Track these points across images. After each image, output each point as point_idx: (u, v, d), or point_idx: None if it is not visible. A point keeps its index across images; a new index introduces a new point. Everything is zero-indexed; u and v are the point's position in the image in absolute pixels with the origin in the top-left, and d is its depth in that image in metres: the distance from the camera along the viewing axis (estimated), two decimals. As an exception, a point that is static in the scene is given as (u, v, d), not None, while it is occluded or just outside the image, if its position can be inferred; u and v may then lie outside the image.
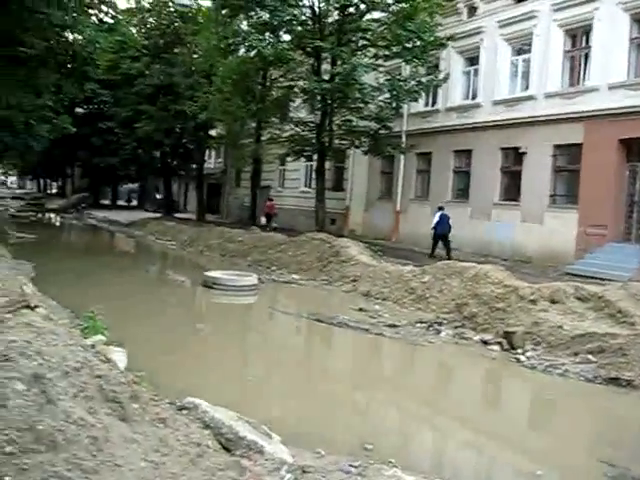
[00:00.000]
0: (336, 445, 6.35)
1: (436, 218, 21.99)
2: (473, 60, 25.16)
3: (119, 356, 5.87)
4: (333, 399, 8.34)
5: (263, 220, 35.10)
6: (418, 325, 12.64)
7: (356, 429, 7.11)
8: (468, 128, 24.26)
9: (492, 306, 12.27)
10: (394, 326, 12.46)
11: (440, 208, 22.49)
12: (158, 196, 57.42)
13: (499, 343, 11.08)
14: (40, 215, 49.26)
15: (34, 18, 22.16)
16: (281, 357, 10.70)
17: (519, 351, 10.61)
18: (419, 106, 26.90)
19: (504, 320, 11.71)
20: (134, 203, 61.81)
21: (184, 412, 4.90)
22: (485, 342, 11.30)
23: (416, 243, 24.47)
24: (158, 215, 41.59)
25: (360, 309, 14.10)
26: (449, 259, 19.12)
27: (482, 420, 8.05)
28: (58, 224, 44.20)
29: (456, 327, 12.35)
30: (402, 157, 27.26)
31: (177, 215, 43.47)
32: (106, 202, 60.27)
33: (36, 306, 5.09)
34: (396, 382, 9.68)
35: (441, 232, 21.76)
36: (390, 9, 23.44)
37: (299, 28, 24.10)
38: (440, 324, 12.60)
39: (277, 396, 8.40)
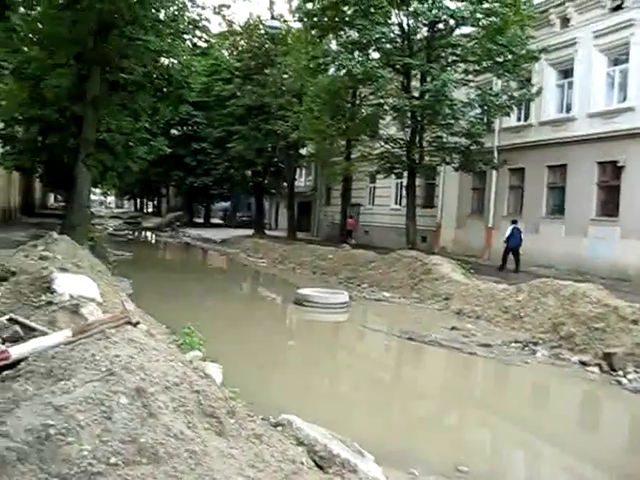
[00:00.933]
0: (429, 466, 6.28)
1: (508, 232, 22.95)
2: (567, 72, 24.48)
3: (215, 372, 5.99)
4: (425, 419, 8.25)
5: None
6: (513, 345, 12.33)
7: (449, 450, 6.99)
8: (562, 142, 23.57)
9: (590, 326, 11.82)
10: (488, 345, 12.21)
11: (514, 222, 23.46)
12: (238, 214, 59.27)
13: (598, 365, 10.65)
14: (137, 233, 51.10)
15: (133, 45, 23.14)
16: (373, 375, 10.67)
17: (620, 373, 10.17)
18: (511, 121, 26.37)
19: (603, 341, 11.27)
20: (226, 221, 63.17)
21: (278, 429, 4.94)
22: (583, 363, 10.89)
23: (510, 260, 23.90)
24: (250, 233, 42.31)
25: (452, 328, 13.87)
26: (517, 272, 21.22)
27: (582, 445, 7.74)
28: (154, 242, 45.72)
29: (552, 347, 11.97)
30: (494, 173, 26.76)
31: (268, 233, 44.14)
32: (199, 220, 61.85)
33: (137, 322, 5.26)
34: (490, 403, 9.46)
35: (513, 245, 22.74)
36: (480, 23, 23.09)
37: (388, 46, 24.12)
38: (536, 344, 12.25)
39: (369, 414, 8.37)
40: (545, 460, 7.36)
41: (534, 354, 11.74)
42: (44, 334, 5.54)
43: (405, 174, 27.71)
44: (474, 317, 15.08)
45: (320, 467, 4.69)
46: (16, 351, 4.85)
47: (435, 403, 9.22)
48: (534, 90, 24.06)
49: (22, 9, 20.52)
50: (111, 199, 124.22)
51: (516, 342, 12.45)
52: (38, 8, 23.09)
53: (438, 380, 11.22)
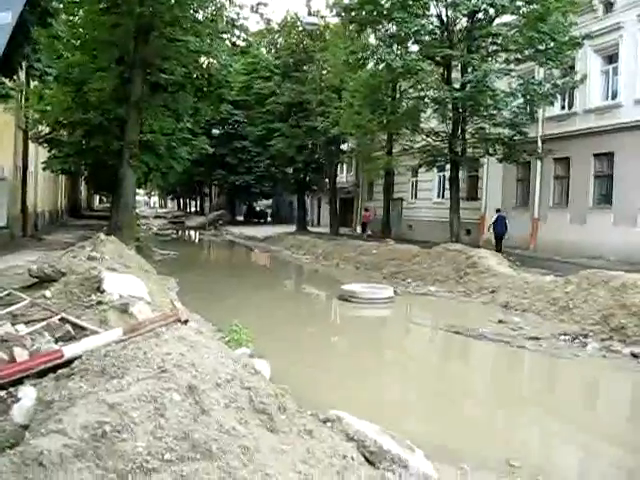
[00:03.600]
0: (480, 461, 6.21)
1: (493, 219, 25.47)
2: (612, 58, 23.92)
3: (263, 368, 6.01)
4: (475, 413, 8.16)
5: (359, 229, 37.72)
6: (562, 337, 12.11)
7: (500, 445, 6.90)
8: (609, 130, 23.05)
9: (642, 317, 11.57)
10: (536, 339, 12.01)
11: (498, 210, 26.19)
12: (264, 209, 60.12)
13: (652, 356, 10.43)
14: (180, 232, 51.67)
15: (173, 46, 23.39)
16: (420, 370, 10.60)
17: (675, 364, 9.94)
18: (555, 109, 25.92)
19: (656, 331, 11.02)
20: (269, 219, 63.52)
21: (328, 424, 4.93)
22: (635, 355, 10.64)
23: (556, 252, 23.53)
24: (292, 229, 42.45)
25: (500, 321, 13.70)
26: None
27: (636, 440, 7.57)
28: (197, 241, 46.17)
29: (603, 339, 11.72)
30: (539, 163, 26.36)
31: (310, 229, 44.21)
32: (242, 218, 62.25)
33: (187, 320, 5.31)
34: (540, 397, 9.30)
35: (498, 233, 24.99)
36: (520, 11, 22.73)
37: (427, 38, 23.90)
38: (586, 336, 12.01)
39: (417, 409, 8.33)
40: (597, 456, 7.19)
41: (584, 347, 11.50)
42: (95, 333, 5.64)
43: (448, 167, 27.46)
44: (521, 310, 14.85)
45: (370, 463, 4.67)
46: (69, 350, 4.94)
47: (484, 398, 9.11)
48: (578, 77, 23.60)
49: (64, 15, 20.91)
50: (154, 199, 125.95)
51: (565, 335, 12.23)
52: (80, 13, 23.51)
53: (487, 375, 11.09)
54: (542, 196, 26.66)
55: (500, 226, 24.98)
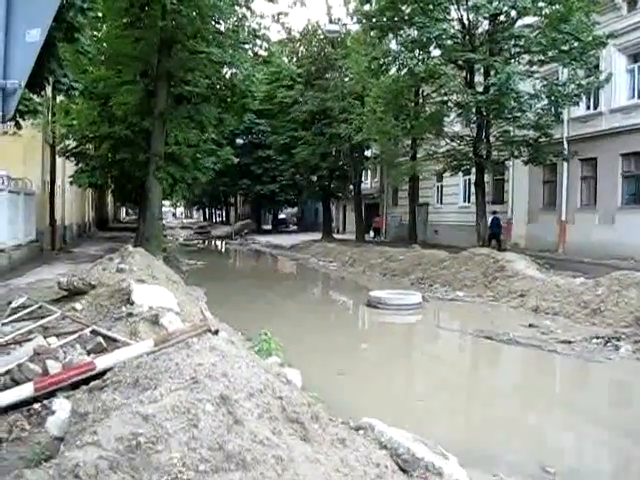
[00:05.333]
0: (514, 467, 6.16)
1: (489, 222, 26.41)
2: (637, 56, 23.69)
3: (294, 377, 6.00)
4: (508, 419, 8.06)
5: (372, 234, 39.82)
6: (594, 341, 11.92)
7: (534, 451, 6.80)
8: (636, 129, 22.78)
9: (676, 318, 11.38)
10: (568, 342, 11.85)
11: (494, 212, 27.52)
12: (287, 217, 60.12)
13: (687, 358, 10.24)
14: (207, 242, 51.97)
15: (196, 58, 23.57)
16: (451, 376, 10.52)
17: None
18: (580, 110, 25.68)
19: (691, 333, 10.83)
20: (293, 227, 63.70)
21: (360, 432, 4.91)
22: (670, 357, 10.49)
23: (585, 254, 23.25)
24: (318, 237, 42.49)
25: (530, 325, 13.55)
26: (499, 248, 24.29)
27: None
28: (224, 250, 46.37)
29: (636, 342, 11.51)
30: (565, 164, 26.12)
31: (336, 236, 44.22)
32: (268, 227, 62.43)
33: (217, 330, 5.32)
34: (574, 402, 9.17)
35: (493, 232, 26.41)
36: (543, 12, 22.53)
37: (449, 42, 23.79)
38: (618, 339, 11.82)
39: (449, 416, 8.26)
40: (634, 461, 7.07)
41: (617, 350, 11.32)
42: (127, 345, 5.67)
43: (473, 171, 27.32)
44: (552, 313, 14.69)
45: (404, 470, 4.63)
46: (101, 362, 4.97)
47: (517, 403, 9.01)
48: (603, 77, 23.31)
49: (89, 30, 21.18)
50: (180, 210, 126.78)
51: (597, 338, 12.04)
52: (104, 28, 23.79)
53: (519, 379, 10.96)
54: (569, 198, 26.40)
55: (495, 227, 26.94)
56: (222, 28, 24.83)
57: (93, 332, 6.57)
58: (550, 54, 23.00)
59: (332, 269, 28.18)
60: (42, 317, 7.79)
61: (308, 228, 55.77)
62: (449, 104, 25.59)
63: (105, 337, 6.34)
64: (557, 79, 24.31)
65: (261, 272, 30.83)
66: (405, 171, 32.45)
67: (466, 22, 23.98)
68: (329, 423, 4.23)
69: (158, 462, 3.11)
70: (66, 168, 31.32)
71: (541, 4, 22.13)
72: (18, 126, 12.12)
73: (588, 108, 25.84)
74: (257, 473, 3.21)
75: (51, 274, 15.30)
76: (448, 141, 26.97)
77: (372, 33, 27.14)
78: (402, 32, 25.36)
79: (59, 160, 28.49)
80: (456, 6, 23.78)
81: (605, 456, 7.36)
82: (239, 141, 45.67)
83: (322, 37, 40.31)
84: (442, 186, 37.95)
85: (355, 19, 28.40)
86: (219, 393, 3.63)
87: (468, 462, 5.49)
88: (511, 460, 6.40)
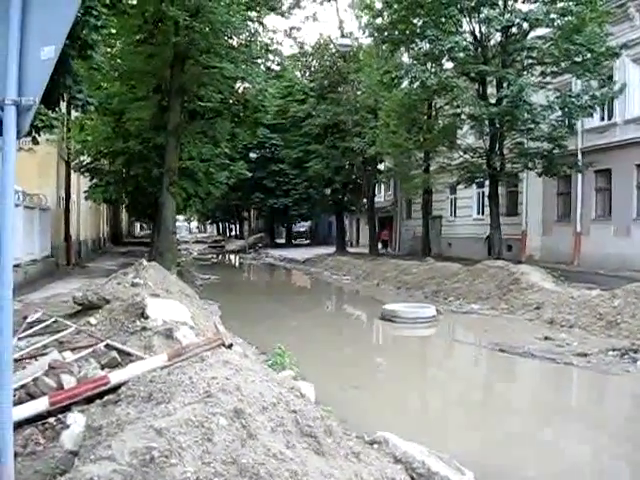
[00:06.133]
0: (531, 482, 6.09)
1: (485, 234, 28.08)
2: (651, 67, 23.63)
3: (308, 390, 5.99)
4: (523, 433, 7.99)
5: (379, 246, 40.37)
6: (610, 353, 11.79)
7: (549, 465, 6.73)
8: (651, 140, 22.71)
9: (694, 330, 11.25)
10: (584, 355, 11.73)
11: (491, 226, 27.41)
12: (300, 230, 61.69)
13: None
14: (221, 257, 52.07)
15: (209, 73, 23.72)
16: (466, 390, 10.44)
17: None
18: (594, 121, 25.56)
19: None
20: (306, 240, 63.80)
21: (375, 446, 4.88)
22: (689, 369, 10.36)
23: (601, 265, 23.09)
24: (331, 251, 42.48)
25: (545, 338, 13.42)
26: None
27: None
28: (238, 264, 46.46)
29: (654, 354, 11.44)
30: (579, 176, 25.99)
31: (349, 250, 44.19)
32: (281, 241, 62.51)
33: (231, 344, 5.32)
34: (591, 416, 9.06)
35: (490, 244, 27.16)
36: (555, 24, 22.52)
37: (461, 54, 23.83)
38: (636, 351, 11.67)
39: (464, 430, 8.19)
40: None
41: (634, 362, 11.18)
42: (141, 359, 5.68)
43: (486, 183, 27.26)
44: (567, 326, 14.55)
45: (419, 485, 4.61)
46: (115, 376, 4.98)
47: (533, 417, 8.92)
48: (617, 88, 23.21)
49: (102, 47, 21.39)
50: (194, 224, 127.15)
51: (614, 350, 11.91)
52: (117, 44, 24.01)
53: (534, 393, 10.85)
54: (584, 209, 26.25)
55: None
56: (235, 43, 25.00)
57: (107, 346, 6.58)
58: (563, 65, 23.01)
59: (346, 282, 28.14)
60: (57, 331, 7.82)
61: (321, 242, 55.78)
62: (462, 116, 25.59)
63: (119, 351, 6.35)
64: (570, 90, 24.27)
65: (275, 286, 30.84)
66: (418, 184, 32.42)
67: (478, 34, 24.04)
68: (343, 437, 4.21)
69: (172, 476, 3.11)
70: (81, 184, 31.56)
71: (553, 15, 22.12)
72: (35, 141, 12.23)
73: (602, 119, 25.74)
74: (271, 487, 3.21)
75: (66, 289, 15.37)
76: (461, 153, 26.93)
77: (384, 46, 27.29)
78: (414, 45, 25.48)
79: (74, 176, 28.71)
80: (468, 19, 23.86)
81: (622, 471, 7.25)
82: (252, 155, 45.86)
83: (334, 51, 40.41)
84: (455, 199, 37.89)
85: (367, 33, 28.50)
86: (233, 407, 3.62)
87: (484, 477, 5.46)
88: (527, 475, 6.34)
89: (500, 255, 24.31)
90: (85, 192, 31.59)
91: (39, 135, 12.18)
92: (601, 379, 10.67)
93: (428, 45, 23.96)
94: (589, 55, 21.88)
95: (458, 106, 25.94)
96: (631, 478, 7.07)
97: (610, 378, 10.51)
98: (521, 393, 10.80)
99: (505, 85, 22.73)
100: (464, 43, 23.76)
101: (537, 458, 7.04)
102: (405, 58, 27.39)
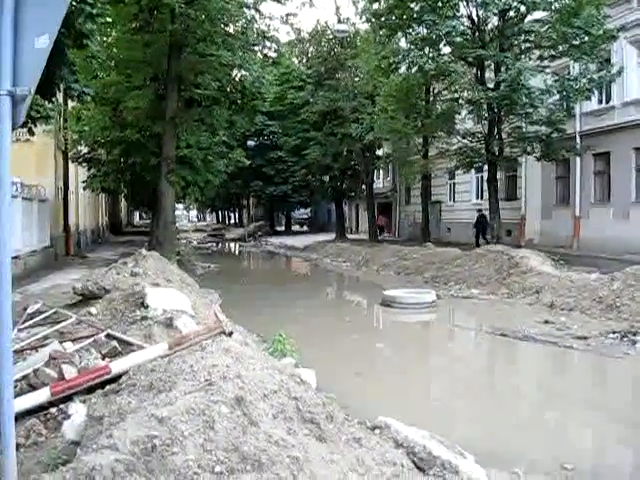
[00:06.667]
0: (533, 465, 6.12)
1: (475, 220, 29.45)
2: (649, 49, 23.51)
3: (309, 377, 6.00)
4: (525, 417, 8.02)
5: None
6: (610, 336, 11.83)
7: (551, 448, 6.75)
8: (649, 122, 22.63)
9: (694, 311, 11.27)
10: (584, 338, 11.77)
11: (479, 211, 29.48)
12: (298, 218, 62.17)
13: None
14: (220, 245, 52.06)
15: (206, 61, 23.62)
16: (467, 374, 10.46)
17: None
18: (592, 104, 25.48)
19: None
20: (305, 227, 63.89)
21: (376, 432, 4.89)
22: (689, 351, 10.38)
23: (600, 249, 23.11)
24: (331, 237, 42.49)
25: (546, 321, 13.46)
26: (487, 243, 25.26)
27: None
28: (238, 252, 46.45)
29: (653, 336, 11.46)
30: (578, 160, 25.96)
31: (349, 236, 44.20)
32: (281, 228, 62.52)
33: (231, 332, 5.33)
34: (592, 398, 9.07)
35: (479, 230, 28.70)
36: (552, 7, 22.42)
37: (459, 39, 23.70)
38: (635, 334, 11.71)
39: (465, 414, 8.21)
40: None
41: (634, 344, 11.22)
42: (141, 348, 5.69)
43: (485, 168, 27.22)
44: (567, 309, 14.58)
45: (420, 469, 4.62)
46: (116, 366, 4.99)
47: (534, 400, 8.95)
48: (614, 70, 23.12)
49: (98, 36, 21.28)
50: (193, 213, 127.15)
51: (614, 333, 11.95)
52: (113, 33, 23.89)
53: (535, 376, 10.89)
54: (583, 193, 26.24)
55: (481, 224, 28.74)
56: (231, 30, 24.88)
57: (108, 336, 6.60)
58: (561, 49, 22.92)
59: (346, 269, 28.16)
60: (57, 322, 7.83)
61: (321, 229, 55.77)
62: (460, 101, 25.54)
63: (120, 341, 6.36)
64: (568, 74, 24.20)
65: (275, 273, 30.85)
66: (417, 169, 32.36)
67: (475, 18, 23.94)
68: (344, 422, 4.22)
69: (174, 464, 3.12)
70: (79, 174, 31.53)
71: (550, -2, 22.02)
72: (31, 132, 12.18)
73: (600, 102, 25.65)
74: (272, 474, 3.22)
75: (66, 279, 15.40)
76: (460, 138, 26.89)
77: (381, 32, 27.10)
78: (411, 30, 25.33)
79: (72, 166, 28.67)
80: (465, 3, 23.75)
81: (624, 453, 7.27)
82: (250, 143, 45.76)
83: (331, 37, 40.31)
84: (454, 184, 37.89)
85: (364, 18, 28.36)
86: (234, 395, 3.63)
87: (486, 460, 5.46)
88: (529, 458, 6.36)
89: (499, 240, 24.30)
90: (83, 182, 31.55)
91: (35, 126, 12.13)
92: (601, 362, 10.71)
93: (425, 30, 23.85)
94: (587, 38, 21.78)
95: (456, 91, 25.89)
96: (633, 460, 7.11)
97: (610, 361, 10.54)
98: (522, 377, 10.82)
99: (503, 69, 22.65)
100: (461, 27, 23.65)
101: (539, 442, 7.06)
102: (402, 43, 27.21)
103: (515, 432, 7.32)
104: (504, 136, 25.19)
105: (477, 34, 23.92)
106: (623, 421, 7.84)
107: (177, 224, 33.43)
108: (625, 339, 11.54)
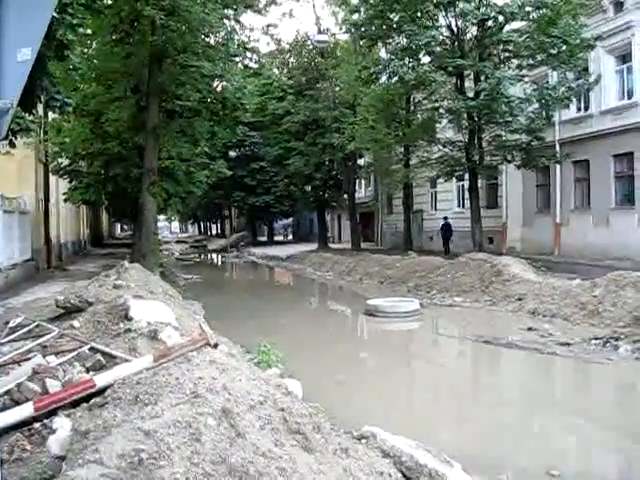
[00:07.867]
0: (519, 472, 6.14)
1: (440, 226, 31.82)
2: (625, 57, 23.72)
3: (295, 387, 5.99)
4: (511, 424, 8.04)
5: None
6: (593, 342, 11.91)
7: (537, 455, 6.78)
8: (627, 129, 22.82)
9: (675, 317, 11.38)
10: (567, 344, 11.85)
11: (445, 218, 32.04)
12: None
13: (687, 357, 10.23)
14: (203, 256, 51.88)
15: (187, 72, 23.57)
16: (452, 382, 10.50)
17: None
18: (571, 112, 25.76)
19: (690, 331, 10.82)
20: (290, 238, 63.87)
21: (363, 441, 4.90)
22: (670, 356, 10.48)
23: (581, 255, 23.32)
24: (314, 247, 42.45)
25: (529, 328, 13.53)
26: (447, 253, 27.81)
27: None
28: (220, 263, 46.32)
29: (635, 342, 11.50)
30: (558, 167, 26.20)
31: (332, 246, 44.18)
32: (263, 239, 62.42)
33: (217, 344, 5.31)
34: (576, 404, 9.14)
35: (444, 236, 31.36)
36: (530, 17, 22.68)
37: (438, 49, 23.91)
38: (617, 339, 11.81)
39: (451, 422, 8.23)
40: (638, 463, 7.04)
41: (616, 350, 11.32)
42: (126, 361, 5.65)
43: (466, 176, 27.39)
44: (550, 316, 14.68)
45: (408, 478, 4.63)
46: (101, 379, 4.95)
47: (519, 407, 8.99)
48: (592, 79, 23.46)
49: (79, 47, 21.17)
50: (175, 224, 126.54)
51: (596, 339, 12.03)
52: (94, 44, 23.79)
53: (520, 383, 10.93)
54: (563, 200, 26.47)
55: (446, 231, 31.34)
56: (212, 42, 24.85)
57: (92, 349, 6.54)
58: (539, 58, 23.17)
59: (329, 279, 28.15)
60: (40, 336, 7.76)
61: (303, 238, 55.76)
62: (440, 110, 25.69)
63: (104, 354, 6.31)
64: (547, 82, 24.48)
65: (258, 284, 30.76)
66: (399, 178, 32.50)
67: (455, 29, 24.13)
68: (331, 433, 4.22)
69: (161, 478, 3.10)
70: (60, 186, 31.28)
71: (528, 8, 22.28)
72: (12, 145, 12.08)
73: (579, 110, 25.94)
74: (261, 485, 3.21)
75: (48, 292, 15.26)
76: (441, 147, 27.05)
77: (361, 42, 27.26)
78: (391, 40, 25.52)
79: (52, 178, 28.45)
80: (444, 13, 23.95)
81: (609, 458, 7.33)
82: (232, 154, 45.71)
83: (312, 47, 40.40)
84: (436, 192, 38.04)
85: (344, 29, 28.53)
86: (220, 406, 3.62)
87: (472, 468, 5.49)
88: (515, 464, 6.39)
89: (481, 248, 24.42)
90: (64, 194, 31.33)
91: (16, 138, 12.03)
92: (584, 368, 10.79)
93: (405, 40, 24.02)
94: (564, 47, 22.05)
95: (436, 100, 26.03)
96: (615, 463, 7.16)
97: (593, 366, 10.63)
98: (507, 384, 10.88)
99: (482, 78, 22.87)
100: (440, 37, 23.90)
101: (525, 448, 7.10)
102: (383, 53, 27.40)
103: (501, 439, 7.35)
104: (484, 145, 25.38)
105: (456, 44, 24.11)
106: (607, 426, 7.91)
107: (159, 236, 33.24)
108: (608, 345, 11.64)
